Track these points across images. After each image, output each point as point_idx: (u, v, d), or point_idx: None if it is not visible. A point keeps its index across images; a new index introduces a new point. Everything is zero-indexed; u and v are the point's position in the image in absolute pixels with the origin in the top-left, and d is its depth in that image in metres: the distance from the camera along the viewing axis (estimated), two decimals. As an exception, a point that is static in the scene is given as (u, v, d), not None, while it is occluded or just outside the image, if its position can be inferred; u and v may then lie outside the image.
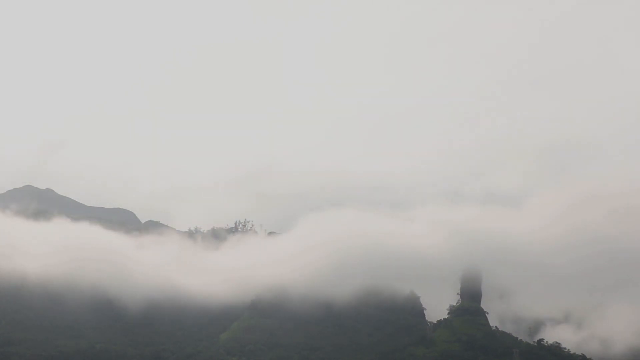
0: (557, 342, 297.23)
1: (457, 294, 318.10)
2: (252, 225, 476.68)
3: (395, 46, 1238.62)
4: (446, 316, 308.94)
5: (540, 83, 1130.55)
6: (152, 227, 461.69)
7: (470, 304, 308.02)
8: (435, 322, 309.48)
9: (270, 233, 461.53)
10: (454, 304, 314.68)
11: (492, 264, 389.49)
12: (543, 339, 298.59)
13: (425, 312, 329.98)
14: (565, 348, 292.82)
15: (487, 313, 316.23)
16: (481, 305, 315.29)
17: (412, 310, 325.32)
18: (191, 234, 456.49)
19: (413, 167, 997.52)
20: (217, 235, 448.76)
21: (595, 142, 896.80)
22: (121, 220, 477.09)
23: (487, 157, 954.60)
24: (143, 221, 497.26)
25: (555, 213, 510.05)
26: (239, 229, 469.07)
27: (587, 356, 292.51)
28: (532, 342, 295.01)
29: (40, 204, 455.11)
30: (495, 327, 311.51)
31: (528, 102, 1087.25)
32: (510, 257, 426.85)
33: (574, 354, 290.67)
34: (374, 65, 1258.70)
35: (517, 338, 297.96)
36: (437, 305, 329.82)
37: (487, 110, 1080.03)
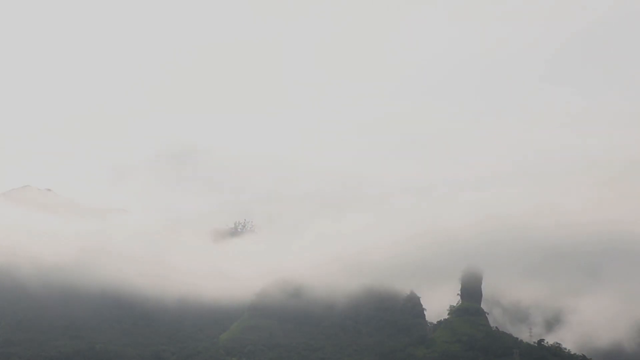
0: (557, 343, 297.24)
1: (457, 294, 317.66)
2: (252, 225, 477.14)
3: (396, 46, 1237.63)
4: (446, 316, 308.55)
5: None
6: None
7: (470, 305, 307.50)
8: (435, 323, 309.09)
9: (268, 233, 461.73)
10: (454, 304, 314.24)
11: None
12: (543, 340, 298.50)
13: (425, 312, 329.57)
14: (565, 348, 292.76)
15: (487, 313, 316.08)
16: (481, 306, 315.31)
17: (412, 310, 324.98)
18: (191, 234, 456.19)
19: (406, 167, 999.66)
20: (217, 236, 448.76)
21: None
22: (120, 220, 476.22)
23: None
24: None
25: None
26: (239, 230, 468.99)
27: (567, 347, 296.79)
28: (532, 343, 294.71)
29: (40, 204, 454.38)
30: (496, 327, 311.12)
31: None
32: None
33: (575, 354, 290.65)
34: (375, 65, 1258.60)
35: (517, 338, 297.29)
36: (437, 306, 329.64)
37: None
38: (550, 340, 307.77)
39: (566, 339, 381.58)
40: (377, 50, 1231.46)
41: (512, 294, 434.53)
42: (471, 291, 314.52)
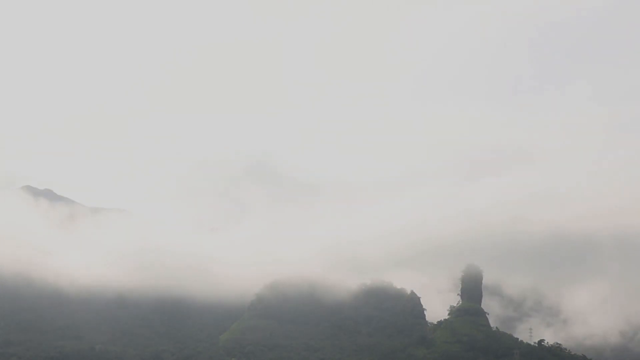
0: (557, 343, 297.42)
1: (458, 294, 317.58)
2: (252, 226, 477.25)
3: (396, 46, 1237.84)
4: (446, 317, 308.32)
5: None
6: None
7: (470, 305, 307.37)
8: (435, 323, 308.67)
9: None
10: (454, 304, 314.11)
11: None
12: (544, 340, 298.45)
13: (425, 312, 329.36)
14: (565, 349, 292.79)
15: (488, 314, 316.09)
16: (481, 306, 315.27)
17: (412, 311, 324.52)
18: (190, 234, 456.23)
19: (405, 165, 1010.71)
20: (217, 236, 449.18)
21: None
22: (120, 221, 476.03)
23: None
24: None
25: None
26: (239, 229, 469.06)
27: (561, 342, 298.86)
28: (532, 343, 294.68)
29: (40, 204, 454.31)
30: (496, 327, 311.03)
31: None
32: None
33: (575, 354, 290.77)
34: (375, 65, 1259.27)
35: (517, 339, 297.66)
36: (438, 306, 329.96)
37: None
38: (545, 332, 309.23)
39: (561, 331, 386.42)
40: (377, 50, 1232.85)
41: (508, 287, 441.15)
42: (471, 291, 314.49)
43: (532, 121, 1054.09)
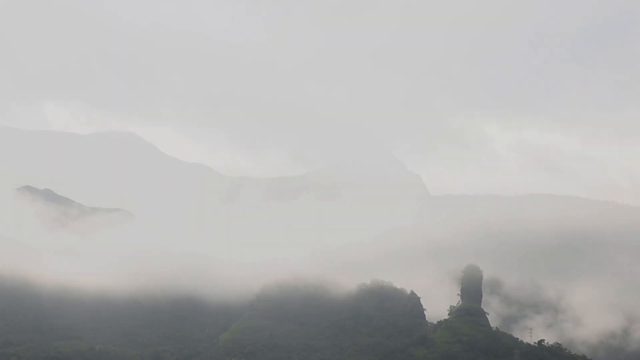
0: (557, 343, 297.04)
1: (458, 294, 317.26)
2: (252, 226, 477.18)
3: (393, 45, 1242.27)
4: (446, 317, 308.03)
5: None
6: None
7: (470, 305, 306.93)
8: (435, 323, 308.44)
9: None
10: (454, 304, 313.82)
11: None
12: (544, 340, 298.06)
13: (425, 312, 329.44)
14: (565, 349, 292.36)
15: (488, 314, 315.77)
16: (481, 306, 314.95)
17: (412, 311, 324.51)
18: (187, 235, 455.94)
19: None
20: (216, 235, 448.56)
21: None
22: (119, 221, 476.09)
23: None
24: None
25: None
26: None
27: (560, 340, 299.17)
28: (532, 343, 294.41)
29: (39, 204, 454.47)
30: (496, 327, 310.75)
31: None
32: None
33: (575, 354, 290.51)
34: (374, 65, 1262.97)
35: (517, 339, 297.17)
36: (438, 306, 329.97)
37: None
38: (545, 332, 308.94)
39: (561, 331, 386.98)
40: (376, 50, 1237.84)
41: (508, 287, 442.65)
42: (471, 291, 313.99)
43: (532, 121, 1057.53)
